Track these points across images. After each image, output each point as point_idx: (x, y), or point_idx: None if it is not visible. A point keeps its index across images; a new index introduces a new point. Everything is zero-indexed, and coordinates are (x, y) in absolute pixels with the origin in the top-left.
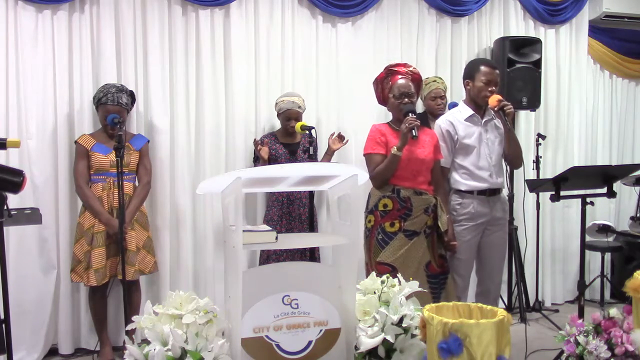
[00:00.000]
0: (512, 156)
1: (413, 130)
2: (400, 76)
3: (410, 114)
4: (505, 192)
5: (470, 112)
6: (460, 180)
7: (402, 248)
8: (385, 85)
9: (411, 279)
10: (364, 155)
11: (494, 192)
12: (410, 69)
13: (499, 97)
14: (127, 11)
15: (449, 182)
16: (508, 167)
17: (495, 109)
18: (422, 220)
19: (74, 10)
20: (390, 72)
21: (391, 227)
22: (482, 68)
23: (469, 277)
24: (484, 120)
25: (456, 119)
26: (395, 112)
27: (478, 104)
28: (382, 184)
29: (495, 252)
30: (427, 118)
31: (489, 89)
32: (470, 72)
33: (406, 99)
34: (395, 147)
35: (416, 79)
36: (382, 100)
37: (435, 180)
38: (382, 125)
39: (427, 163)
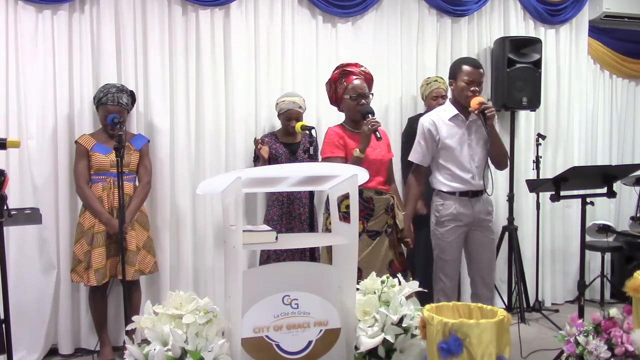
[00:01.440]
0: (495, 158)
1: (377, 132)
2: (354, 77)
3: (369, 116)
4: (489, 194)
5: (454, 112)
6: (442, 181)
7: (366, 249)
8: (338, 86)
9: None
10: (323, 158)
11: (476, 193)
12: (362, 68)
13: (480, 99)
14: (127, 11)
15: (431, 182)
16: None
17: (476, 112)
18: (383, 220)
19: (74, 10)
20: (344, 72)
21: None
22: (464, 67)
23: (457, 278)
24: (468, 121)
25: (440, 118)
26: (351, 113)
27: (462, 104)
28: None
29: (483, 252)
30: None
31: (471, 88)
32: (453, 72)
33: (363, 100)
34: (357, 150)
35: (368, 78)
36: (335, 101)
37: (389, 178)
38: (337, 127)
39: (384, 163)
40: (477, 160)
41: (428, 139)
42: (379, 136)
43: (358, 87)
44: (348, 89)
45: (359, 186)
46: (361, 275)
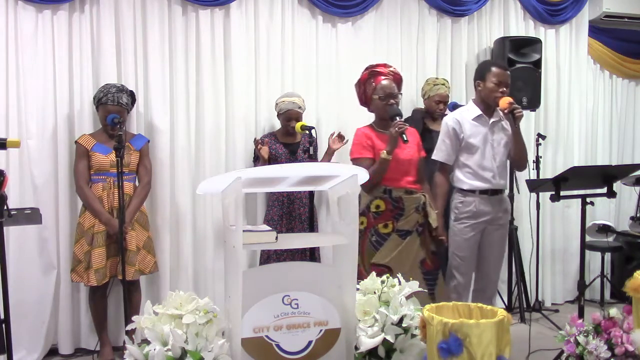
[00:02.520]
0: (517, 159)
1: (404, 135)
2: (383, 77)
3: (397, 118)
4: (517, 191)
5: (478, 112)
6: (463, 179)
7: (396, 248)
8: (367, 87)
9: (411, 278)
10: (352, 159)
11: (495, 192)
12: (391, 69)
13: (510, 99)
14: (127, 11)
15: (451, 180)
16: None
17: (505, 111)
18: (414, 219)
19: (74, 10)
20: (372, 73)
21: (385, 228)
22: (494, 69)
23: (471, 276)
24: (491, 121)
25: (464, 117)
26: (380, 112)
27: (487, 105)
28: (373, 187)
29: (494, 250)
30: (423, 117)
31: (500, 89)
32: (482, 72)
33: (391, 100)
34: (384, 152)
35: (397, 79)
36: (364, 101)
37: (420, 177)
38: (366, 128)
39: (413, 162)
40: (499, 160)
41: (452, 138)
42: (405, 139)
43: (386, 87)
44: (377, 89)
45: (389, 186)
46: (392, 274)
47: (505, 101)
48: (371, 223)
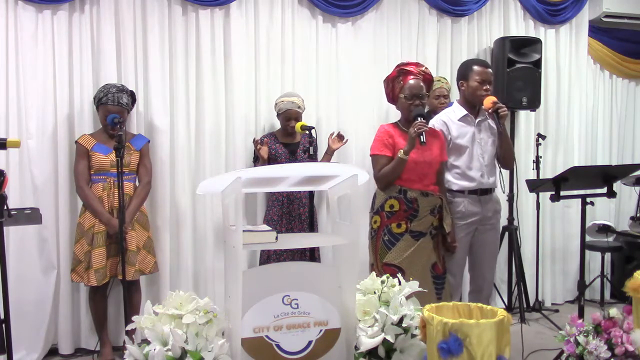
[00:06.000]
0: (504, 157)
1: (421, 136)
2: (412, 76)
3: (419, 118)
4: (503, 191)
5: (464, 112)
6: (452, 180)
7: (408, 249)
8: (396, 85)
9: (411, 279)
10: (371, 155)
11: (485, 191)
12: (422, 69)
13: (493, 98)
14: (127, 11)
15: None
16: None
17: (490, 110)
18: (428, 221)
19: (74, 10)
20: (402, 71)
21: (398, 228)
22: (475, 68)
23: (462, 276)
24: (477, 121)
25: (450, 119)
26: (405, 112)
27: (472, 104)
28: (387, 186)
29: (487, 251)
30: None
31: (484, 87)
32: (464, 72)
33: (417, 101)
34: (401, 151)
35: (427, 79)
36: (392, 99)
37: (440, 181)
38: (390, 125)
39: (434, 165)
40: (487, 158)
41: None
42: (422, 141)
43: (414, 87)
44: (404, 89)
45: (404, 186)
46: (404, 275)
47: (489, 101)
48: (384, 222)
